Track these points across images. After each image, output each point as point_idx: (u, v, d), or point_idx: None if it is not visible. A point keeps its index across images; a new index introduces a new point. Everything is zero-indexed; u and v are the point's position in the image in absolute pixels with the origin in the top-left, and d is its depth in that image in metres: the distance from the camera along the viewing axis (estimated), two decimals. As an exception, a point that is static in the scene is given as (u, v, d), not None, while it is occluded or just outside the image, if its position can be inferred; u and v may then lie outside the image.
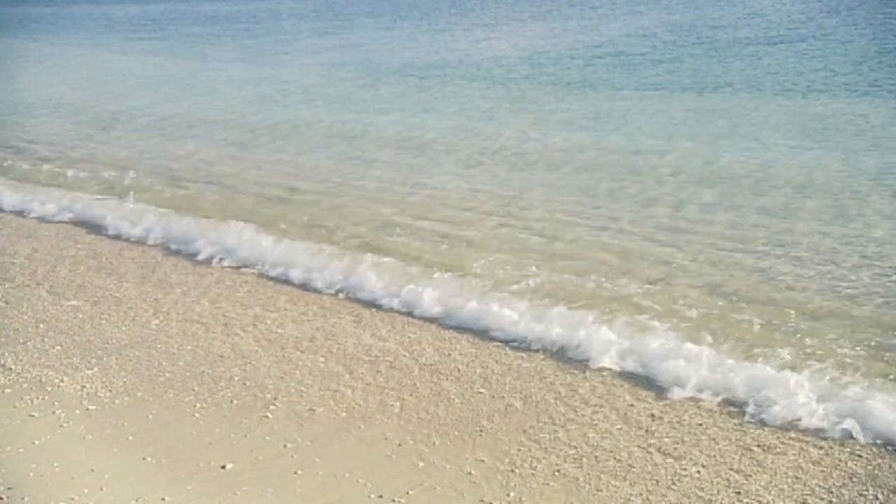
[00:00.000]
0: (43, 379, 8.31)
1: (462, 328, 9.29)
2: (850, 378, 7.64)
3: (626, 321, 9.00)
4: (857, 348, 8.24)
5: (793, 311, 9.08)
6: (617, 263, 10.77)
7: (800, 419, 7.10)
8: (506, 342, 8.88)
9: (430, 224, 12.67)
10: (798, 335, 8.55)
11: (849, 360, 8.00)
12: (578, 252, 11.24)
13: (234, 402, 7.86)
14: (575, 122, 19.11)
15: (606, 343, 8.49)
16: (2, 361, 8.72)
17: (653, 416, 7.38)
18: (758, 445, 6.84)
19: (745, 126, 17.55)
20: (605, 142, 17.03)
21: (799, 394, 7.31)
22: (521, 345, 8.78)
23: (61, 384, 8.19)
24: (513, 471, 6.61)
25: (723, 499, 6.18)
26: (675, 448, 6.86)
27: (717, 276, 10.20)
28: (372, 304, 10.05)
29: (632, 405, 7.56)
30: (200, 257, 11.83)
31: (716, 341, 8.49)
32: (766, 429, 7.05)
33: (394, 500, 6.27)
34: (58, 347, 9.10)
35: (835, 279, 9.87)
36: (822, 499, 6.15)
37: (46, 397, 7.93)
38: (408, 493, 6.36)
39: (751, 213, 12.30)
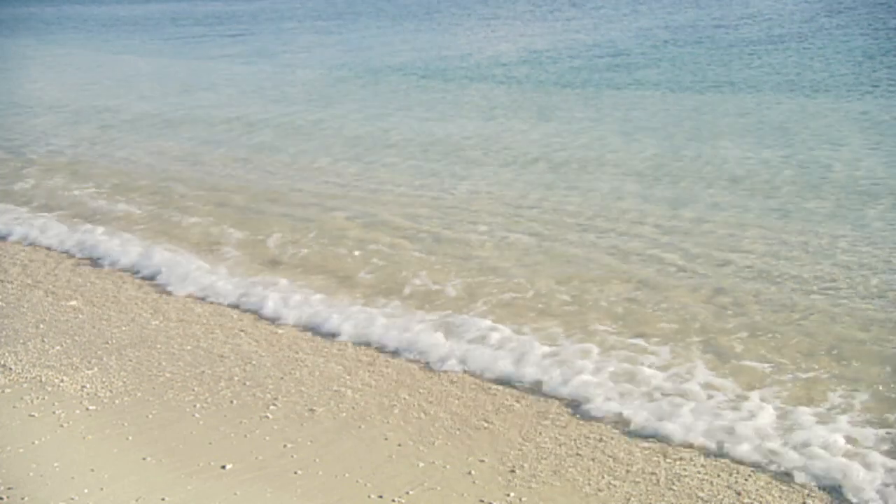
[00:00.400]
0: (43, 379, 8.30)
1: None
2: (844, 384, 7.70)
3: (626, 324, 9.06)
4: (852, 352, 8.25)
5: (792, 320, 9.01)
6: (615, 266, 10.75)
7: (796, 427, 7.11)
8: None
9: (427, 225, 12.66)
10: (797, 348, 8.41)
11: (841, 368, 8.05)
12: (577, 254, 11.23)
13: (234, 402, 7.86)
14: (575, 121, 19.11)
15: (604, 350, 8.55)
16: (2, 361, 8.71)
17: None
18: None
19: (745, 126, 17.55)
20: (605, 141, 17.03)
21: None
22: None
23: (61, 384, 8.18)
24: (513, 471, 6.61)
25: (723, 499, 6.18)
26: (675, 448, 6.86)
27: (717, 278, 10.19)
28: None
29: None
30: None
31: (707, 349, 8.54)
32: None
33: (394, 500, 6.26)
34: (58, 347, 9.10)
35: (833, 281, 9.85)
36: (822, 500, 6.15)
37: (46, 397, 7.92)
38: (408, 493, 6.35)
39: (752, 214, 12.29)
